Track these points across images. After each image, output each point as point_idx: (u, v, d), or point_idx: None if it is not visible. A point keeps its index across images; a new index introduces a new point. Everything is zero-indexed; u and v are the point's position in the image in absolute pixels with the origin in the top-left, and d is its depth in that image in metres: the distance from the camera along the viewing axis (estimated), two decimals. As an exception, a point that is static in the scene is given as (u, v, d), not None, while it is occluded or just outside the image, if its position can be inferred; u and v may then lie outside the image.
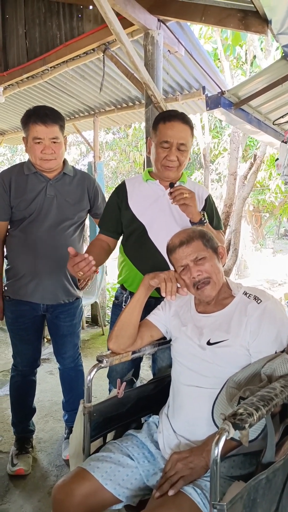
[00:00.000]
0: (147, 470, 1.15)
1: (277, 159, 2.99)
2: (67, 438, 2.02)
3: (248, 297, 1.22)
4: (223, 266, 1.34)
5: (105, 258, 1.71)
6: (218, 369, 1.16)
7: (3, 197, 1.75)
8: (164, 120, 1.57)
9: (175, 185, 1.51)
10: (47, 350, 3.29)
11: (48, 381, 2.85)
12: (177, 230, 1.38)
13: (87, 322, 4.11)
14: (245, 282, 8.80)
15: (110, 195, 1.72)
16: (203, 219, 1.51)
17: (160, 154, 1.56)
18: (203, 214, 1.53)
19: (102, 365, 1.28)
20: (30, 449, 1.97)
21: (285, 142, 2.93)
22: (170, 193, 1.48)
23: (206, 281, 1.22)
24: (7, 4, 3.55)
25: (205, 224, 1.51)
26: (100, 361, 1.28)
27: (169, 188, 1.50)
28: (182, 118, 1.58)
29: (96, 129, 4.75)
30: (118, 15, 2.24)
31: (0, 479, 1.81)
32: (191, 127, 1.59)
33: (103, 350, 3.56)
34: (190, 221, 1.52)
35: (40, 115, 1.65)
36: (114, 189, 1.72)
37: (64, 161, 1.83)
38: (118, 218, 1.67)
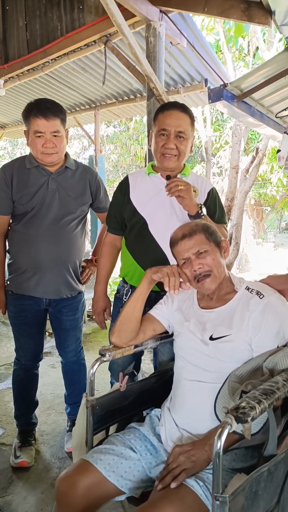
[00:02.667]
0: (150, 463, 1.16)
1: (279, 150, 2.95)
2: (70, 430, 2.03)
3: (250, 292, 1.22)
4: (225, 260, 1.34)
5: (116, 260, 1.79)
6: (220, 364, 1.16)
7: (5, 191, 1.75)
8: (162, 109, 1.58)
9: (172, 178, 1.50)
10: (49, 343, 3.31)
11: (50, 374, 2.87)
12: (178, 224, 1.38)
13: (88, 315, 4.12)
14: (246, 276, 8.77)
15: (114, 191, 1.72)
16: (200, 212, 1.50)
17: (159, 143, 1.56)
18: (200, 207, 1.51)
19: (105, 359, 1.29)
20: (33, 441, 1.99)
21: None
22: (166, 185, 1.48)
23: (206, 274, 1.22)
24: (7, -5, 3.51)
25: (203, 217, 1.50)
26: (102, 355, 1.29)
27: (167, 180, 1.50)
28: (181, 107, 1.58)
29: (97, 122, 4.72)
30: (119, 6, 2.22)
31: (4, 471, 1.83)
32: (190, 116, 1.58)
33: (104, 343, 3.57)
34: (187, 214, 1.51)
35: (41, 109, 1.64)
36: (118, 184, 1.72)
37: (66, 155, 1.82)
38: (122, 214, 1.67)
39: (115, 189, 1.75)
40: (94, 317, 1.81)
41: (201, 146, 7.56)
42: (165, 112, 1.56)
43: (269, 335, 1.13)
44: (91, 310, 1.85)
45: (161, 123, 1.55)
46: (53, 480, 1.78)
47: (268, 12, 2.08)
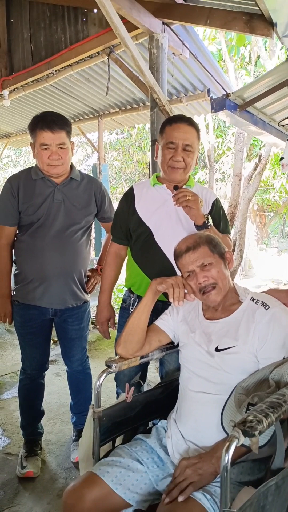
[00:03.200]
0: (157, 475, 1.16)
1: (282, 158, 2.97)
2: (76, 440, 2.03)
3: (255, 303, 1.23)
4: (229, 271, 1.34)
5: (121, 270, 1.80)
6: (226, 375, 1.16)
7: (11, 202, 1.77)
8: (170, 122, 1.61)
9: (180, 188, 1.52)
10: (53, 351, 3.31)
11: (55, 383, 2.87)
12: (184, 234, 1.39)
13: (92, 323, 4.13)
14: (250, 282, 8.78)
15: (119, 201, 1.75)
16: (206, 222, 1.52)
17: (166, 156, 1.58)
18: (207, 217, 1.53)
19: (111, 370, 1.29)
20: (39, 451, 1.99)
21: (290, 141, 2.91)
22: (174, 196, 1.50)
23: (211, 286, 1.23)
24: (12, 8, 3.57)
25: (209, 227, 1.52)
26: (109, 367, 1.29)
27: (174, 191, 1.52)
28: (188, 120, 1.61)
29: (101, 131, 4.76)
30: (122, 19, 2.25)
31: (10, 481, 1.83)
32: (197, 130, 1.61)
33: (109, 352, 3.57)
34: (194, 224, 1.53)
35: (47, 122, 1.66)
36: (123, 195, 1.75)
37: (71, 166, 1.84)
38: (127, 224, 1.69)
39: (118, 195, 1.77)
40: (98, 327, 1.82)
41: (204, 152, 7.58)
42: (173, 125, 1.58)
43: (275, 346, 1.14)
44: (95, 317, 1.86)
45: (169, 136, 1.57)
46: (59, 490, 1.77)
47: (270, 24, 2.10)
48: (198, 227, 1.52)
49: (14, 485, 1.81)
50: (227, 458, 0.81)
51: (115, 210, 1.83)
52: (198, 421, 1.18)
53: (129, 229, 1.69)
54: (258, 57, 5.76)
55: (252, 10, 2.18)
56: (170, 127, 1.59)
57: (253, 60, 5.92)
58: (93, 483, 1.10)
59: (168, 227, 1.61)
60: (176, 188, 1.52)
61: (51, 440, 2.18)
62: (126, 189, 1.77)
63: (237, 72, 6.28)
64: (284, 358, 1.13)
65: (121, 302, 1.82)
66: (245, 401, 1.04)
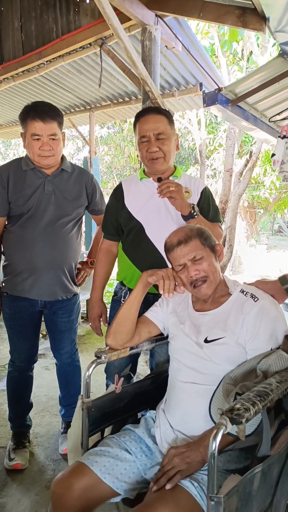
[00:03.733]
0: (145, 464, 1.18)
1: (273, 154, 2.98)
2: (64, 432, 2.03)
3: (245, 294, 1.24)
4: (220, 264, 1.35)
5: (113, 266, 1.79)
6: (215, 366, 1.18)
7: (1, 192, 1.74)
8: (138, 118, 1.63)
9: (164, 180, 1.52)
10: (42, 345, 3.30)
11: (44, 376, 2.86)
12: (173, 226, 1.39)
13: (82, 317, 4.12)
14: (239, 278, 8.85)
15: (109, 198, 1.74)
16: (193, 212, 1.52)
17: (143, 150, 1.60)
18: (193, 207, 1.53)
19: (101, 360, 1.30)
20: (27, 443, 1.99)
21: (282, 138, 2.93)
22: (158, 187, 1.50)
23: (203, 279, 1.24)
24: (3, -4, 3.50)
25: (196, 216, 1.52)
26: (98, 357, 1.30)
27: (158, 183, 1.52)
28: (155, 109, 1.64)
29: (92, 124, 4.72)
30: (115, 9, 2.23)
31: (-2, 473, 1.83)
32: (166, 116, 1.61)
33: (99, 345, 3.57)
34: (181, 214, 1.53)
35: (38, 112, 1.64)
36: (112, 191, 1.75)
37: (62, 157, 1.82)
38: (118, 220, 1.69)
39: (109, 190, 1.77)
40: (90, 323, 1.82)
41: (195, 148, 7.59)
42: (141, 119, 1.60)
43: (264, 338, 1.15)
44: (85, 312, 1.86)
45: (140, 131, 1.59)
46: (48, 482, 1.78)
47: (263, 19, 2.10)
48: (185, 217, 1.52)
49: (1, 477, 1.81)
50: (215, 445, 0.82)
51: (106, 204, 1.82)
52: (186, 411, 1.19)
53: (120, 224, 1.69)
54: (251, 53, 5.78)
55: (245, 4, 2.18)
56: (139, 122, 1.60)
57: (245, 56, 5.94)
58: (81, 472, 1.10)
59: (158, 220, 1.61)
60: (160, 180, 1.53)
61: (39, 432, 2.18)
62: (117, 184, 1.76)
63: (229, 68, 6.29)
64: (271, 349, 1.14)
65: (112, 295, 1.82)
66: (233, 390, 1.05)
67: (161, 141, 1.57)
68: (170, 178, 1.63)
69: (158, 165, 1.59)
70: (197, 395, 1.18)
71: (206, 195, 1.70)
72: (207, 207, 1.69)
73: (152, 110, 1.62)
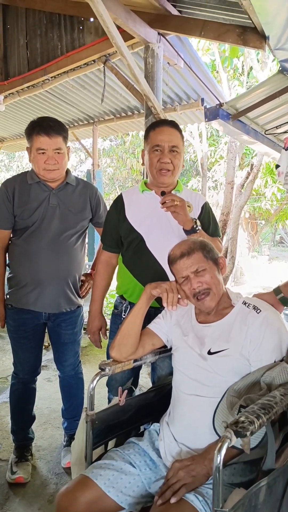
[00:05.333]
0: (149, 478, 1.17)
1: (278, 166, 2.99)
2: (67, 445, 2.02)
3: (247, 306, 1.25)
4: (222, 276, 1.37)
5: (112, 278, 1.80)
6: (218, 378, 1.18)
7: (6, 206, 1.78)
8: (153, 127, 1.64)
9: (167, 193, 1.54)
10: (45, 357, 3.29)
11: (46, 388, 2.85)
12: (175, 239, 1.40)
13: (84, 328, 4.12)
14: (241, 289, 8.84)
15: (108, 210, 1.76)
16: (195, 226, 1.53)
17: (153, 159, 1.60)
18: (195, 222, 1.55)
19: (105, 373, 1.30)
20: (30, 456, 1.97)
21: (286, 149, 2.94)
22: (162, 201, 1.51)
23: (206, 292, 1.25)
24: (9, 15, 3.60)
25: (198, 231, 1.53)
26: (102, 369, 1.30)
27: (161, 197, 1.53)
28: (171, 123, 1.65)
29: (95, 137, 4.80)
30: (119, 28, 2.29)
31: (0, 487, 1.81)
32: (180, 132, 1.64)
33: (101, 357, 3.56)
34: (183, 228, 1.55)
35: (44, 127, 1.68)
36: (112, 203, 1.76)
37: (67, 171, 1.86)
38: (118, 232, 1.70)
39: (111, 201, 1.78)
40: (89, 336, 1.82)
41: (197, 160, 7.67)
42: (157, 129, 1.61)
43: (267, 349, 1.16)
44: (86, 325, 1.86)
45: (154, 140, 1.60)
46: (50, 496, 1.76)
47: (263, 37, 2.16)
48: (187, 232, 1.54)
49: (4, 491, 1.79)
50: (219, 458, 0.83)
51: None
52: (190, 424, 1.19)
53: (120, 236, 1.69)
54: (251, 68, 5.88)
55: (245, 23, 2.24)
56: (154, 131, 1.62)
57: (245, 71, 6.05)
58: (85, 486, 1.10)
59: (159, 233, 1.62)
60: (163, 193, 1.54)
61: (41, 445, 2.17)
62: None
63: (230, 83, 6.40)
64: (275, 361, 1.15)
65: (112, 308, 1.83)
66: (237, 403, 1.05)
67: (174, 154, 1.59)
68: (173, 192, 1.64)
69: (166, 177, 1.61)
70: (201, 408, 1.18)
71: (206, 210, 1.72)
72: (208, 221, 1.71)
73: (168, 123, 1.64)
